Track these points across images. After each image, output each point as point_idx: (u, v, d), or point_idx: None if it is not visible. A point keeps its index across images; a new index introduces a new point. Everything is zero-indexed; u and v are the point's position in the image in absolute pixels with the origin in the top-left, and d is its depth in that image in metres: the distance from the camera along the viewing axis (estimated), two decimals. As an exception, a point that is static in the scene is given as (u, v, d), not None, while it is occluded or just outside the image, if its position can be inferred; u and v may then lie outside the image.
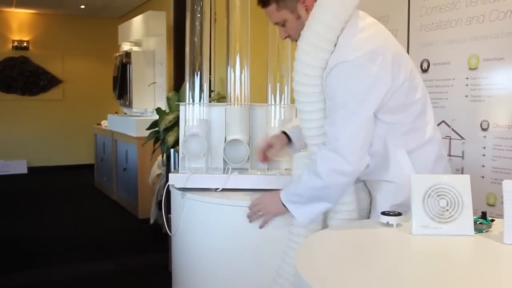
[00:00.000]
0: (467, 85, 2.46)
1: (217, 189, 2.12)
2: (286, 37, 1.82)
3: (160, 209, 4.77)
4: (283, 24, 1.77)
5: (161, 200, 4.40)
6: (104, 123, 7.49)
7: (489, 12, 2.34)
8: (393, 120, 1.69)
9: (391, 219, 1.47)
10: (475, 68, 2.42)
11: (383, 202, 1.75)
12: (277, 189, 1.84)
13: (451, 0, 2.52)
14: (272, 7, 1.75)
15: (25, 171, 8.85)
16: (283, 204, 1.77)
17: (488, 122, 2.37)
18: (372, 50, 1.60)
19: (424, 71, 2.68)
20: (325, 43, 1.62)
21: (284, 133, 2.09)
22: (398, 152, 1.70)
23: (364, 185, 1.88)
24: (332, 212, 1.77)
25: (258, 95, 2.62)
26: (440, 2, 2.59)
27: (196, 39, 2.42)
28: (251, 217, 1.89)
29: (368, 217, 1.85)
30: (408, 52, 2.75)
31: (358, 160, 1.65)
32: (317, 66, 1.65)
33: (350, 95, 1.60)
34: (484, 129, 2.39)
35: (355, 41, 1.61)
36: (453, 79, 2.53)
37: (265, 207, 1.86)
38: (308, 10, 1.69)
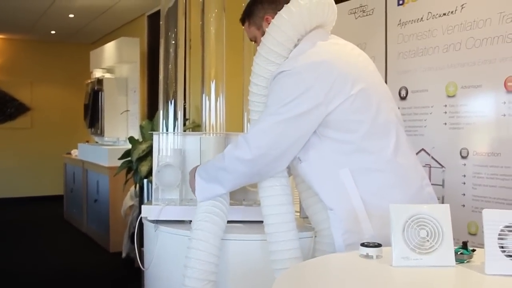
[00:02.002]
0: (446, 112, 2.51)
1: (192, 221, 2.11)
2: None
3: (132, 242, 4.71)
4: (254, 40, 1.93)
5: (134, 233, 4.35)
6: (75, 152, 7.41)
7: (466, 40, 2.41)
8: (337, 137, 1.69)
9: (371, 251, 1.47)
10: (453, 96, 2.47)
11: (334, 231, 1.74)
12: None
13: (428, 28, 2.59)
14: (246, 24, 1.95)
15: (-10, 203, 8.68)
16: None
17: (468, 150, 2.41)
18: (314, 61, 1.68)
19: (403, 98, 2.73)
20: (274, 57, 1.76)
21: None
22: (342, 172, 1.69)
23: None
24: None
25: (234, 124, 2.63)
26: (417, 29, 2.65)
27: (170, 66, 2.43)
28: None
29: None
30: (386, 79, 2.80)
31: (262, 155, 1.71)
32: (265, 78, 1.78)
33: (278, 100, 1.69)
34: (463, 157, 2.43)
35: (301, 54, 1.71)
36: (432, 107, 2.58)
37: (190, 183, 1.98)
38: None
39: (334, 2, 1.84)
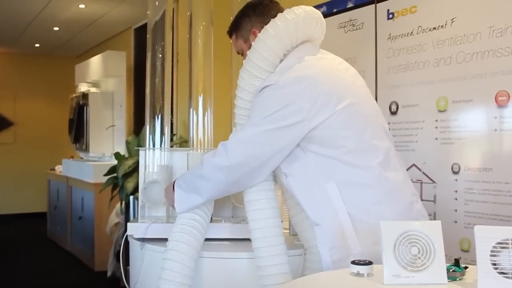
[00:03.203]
0: (437, 127, 2.53)
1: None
2: None
3: (118, 260, 4.67)
4: (242, 53, 1.95)
5: (120, 251, 4.31)
6: (59, 168, 7.37)
7: (456, 54, 2.44)
8: (322, 152, 1.70)
9: (362, 269, 1.47)
10: (444, 110, 2.50)
11: (321, 245, 1.74)
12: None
13: (418, 42, 2.62)
14: (233, 37, 1.97)
15: (-29, 220, 8.58)
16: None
17: (459, 165, 2.43)
18: (298, 76, 1.69)
19: (393, 113, 2.75)
20: (259, 71, 1.77)
21: None
22: (328, 186, 1.69)
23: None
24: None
25: (223, 139, 2.62)
26: (407, 44, 2.68)
27: (157, 80, 2.43)
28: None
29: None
30: (376, 94, 2.82)
31: (239, 164, 1.73)
32: (250, 92, 1.80)
33: (260, 111, 1.71)
34: (455, 172, 2.45)
35: (287, 69, 1.72)
36: (423, 122, 2.60)
37: (167, 197, 2.00)
38: None
39: (322, 17, 1.86)
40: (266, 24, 1.78)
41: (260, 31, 1.79)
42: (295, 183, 1.76)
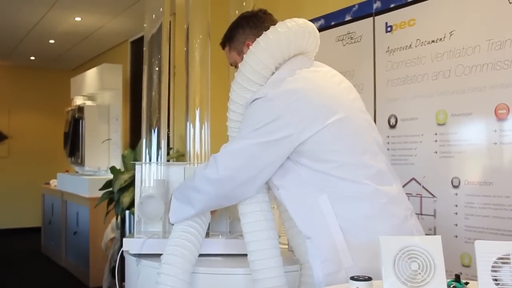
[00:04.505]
0: (436, 141, 2.54)
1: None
2: None
3: (113, 276, 4.65)
4: (235, 65, 1.95)
5: (115, 267, 4.29)
6: (53, 183, 7.35)
7: (455, 67, 2.45)
8: (312, 166, 1.69)
9: (361, 285, 1.47)
10: (443, 124, 2.50)
11: (312, 260, 1.73)
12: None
13: (417, 55, 2.63)
14: (226, 48, 1.98)
15: (-36, 235, 8.55)
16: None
17: (459, 179, 2.43)
18: (288, 90, 1.70)
19: (392, 127, 2.76)
20: (250, 84, 1.78)
21: None
22: (320, 199, 1.68)
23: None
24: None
25: (220, 153, 2.63)
26: (405, 57, 2.69)
27: (153, 93, 2.44)
28: None
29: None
30: (375, 107, 2.83)
31: (229, 178, 1.73)
32: (241, 104, 1.81)
33: (249, 124, 1.73)
34: (455, 186, 2.45)
35: (278, 82, 1.73)
36: (422, 135, 2.60)
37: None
38: None
39: (315, 29, 1.86)
40: (259, 36, 1.79)
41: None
42: (287, 196, 1.76)
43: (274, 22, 1.86)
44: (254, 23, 1.90)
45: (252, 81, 1.78)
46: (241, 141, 1.73)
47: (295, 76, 1.75)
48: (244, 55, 1.81)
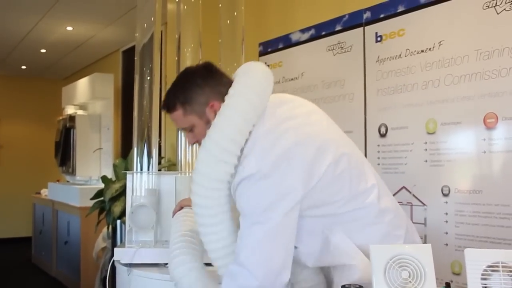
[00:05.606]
0: (426, 149, 2.55)
1: (167, 264, 2.08)
2: (194, 143, 1.77)
3: (104, 286, 4.62)
4: (191, 129, 1.73)
5: (106, 277, 4.27)
6: (44, 192, 7.32)
7: (444, 77, 2.47)
8: (318, 213, 1.67)
9: (353, 293, 1.47)
10: (433, 133, 2.52)
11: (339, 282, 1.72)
12: None
13: (406, 65, 2.65)
14: (179, 112, 1.71)
15: (-47, 245, 8.47)
16: None
17: (449, 188, 2.44)
18: (279, 155, 1.57)
19: (382, 135, 2.77)
20: (226, 155, 1.59)
21: None
22: (338, 238, 1.66)
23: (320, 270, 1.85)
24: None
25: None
26: (395, 66, 2.71)
27: (145, 102, 2.44)
28: None
29: None
30: (365, 116, 2.84)
31: (266, 274, 1.54)
32: (217, 179, 1.61)
33: (253, 207, 1.57)
34: (445, 195, 2.46)
35: (260, 149, 1.59)
36: (412, 144, 2.62)
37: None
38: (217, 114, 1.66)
39: (268, 69, 1.77)
40: (222, 94, 1.64)
41: (219, 103, 1.65)
42: (306, 250, 1.70)
43: (226, 76, 1.74)
44: (212, 79, 1.71)
45: (230, 152, 1.59)
46: (255, 230, 1.56)
47: (276, 136, 1.60)
48: (216, 122, 1.61)
